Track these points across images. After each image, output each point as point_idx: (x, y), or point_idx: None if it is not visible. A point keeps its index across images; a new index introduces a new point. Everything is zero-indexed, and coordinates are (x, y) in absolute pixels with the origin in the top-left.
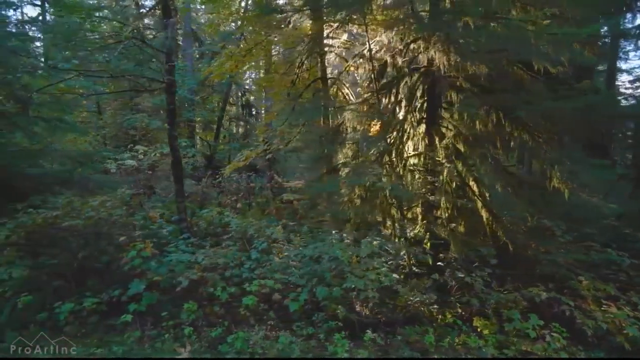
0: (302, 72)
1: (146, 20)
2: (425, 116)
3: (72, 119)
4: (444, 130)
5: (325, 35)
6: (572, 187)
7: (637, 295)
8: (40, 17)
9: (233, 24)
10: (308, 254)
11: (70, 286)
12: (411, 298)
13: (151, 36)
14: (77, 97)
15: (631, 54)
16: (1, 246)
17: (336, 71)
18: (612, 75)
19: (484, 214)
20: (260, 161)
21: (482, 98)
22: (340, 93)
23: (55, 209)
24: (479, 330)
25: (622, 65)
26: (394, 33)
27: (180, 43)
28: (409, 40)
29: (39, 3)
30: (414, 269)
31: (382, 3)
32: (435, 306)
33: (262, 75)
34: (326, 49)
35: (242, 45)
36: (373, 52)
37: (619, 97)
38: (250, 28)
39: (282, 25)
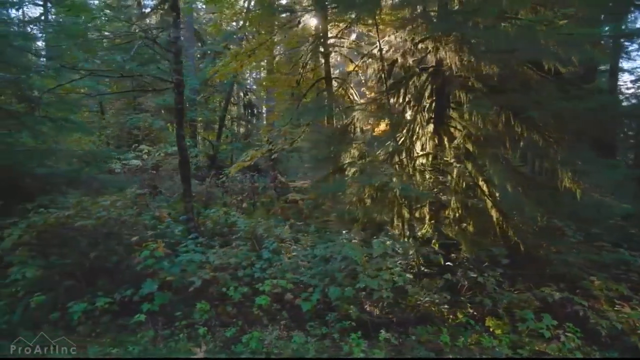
0: (306, 72)
1: (148, 20)
2: (433, 116)
3: (78, 119)
4: (452, 130)
5: (333, 35)
6: (583, 187)
7: None
8: (43, 17)
9: (234, 24)
10: (319, 254)
11: (81, 286)
12: (421, 298)
13: (154, 36)
14: (82, 97)
15: (632, 54)
16: (13, 246)
17: (337, 71)
18: (614, 75)
19: (494, 213)
20: (262, 161)
21: (492, 98)
22: (345, 93)
23: (66, 208)
24: (491, 330)
25: (624, 64)
26: (406, 33)
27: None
28: (417, 40)
29: (40, 3)
30: (423, 269)
31: (391, 3)
32: (446, 306)
33: (264, 75)
34: (330, 48)
35: (245, 45)
36: (382, 51)
37: (621, 97)
38: (254, 29)
39: (287, 25)
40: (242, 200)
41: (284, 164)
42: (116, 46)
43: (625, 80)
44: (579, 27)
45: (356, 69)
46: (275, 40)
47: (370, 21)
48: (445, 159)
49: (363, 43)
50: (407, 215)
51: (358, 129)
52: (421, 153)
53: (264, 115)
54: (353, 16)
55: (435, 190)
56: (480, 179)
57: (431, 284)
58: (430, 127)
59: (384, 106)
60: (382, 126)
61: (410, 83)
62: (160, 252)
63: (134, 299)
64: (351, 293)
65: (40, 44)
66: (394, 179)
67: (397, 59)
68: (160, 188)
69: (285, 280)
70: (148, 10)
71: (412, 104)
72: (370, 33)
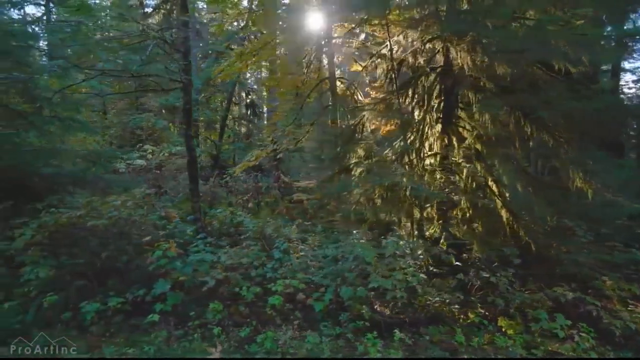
0: (310, 72)
1: (150, 20)
2: (441, 116)
3: (83, 119)
4: (460, 130)
5: (338, 35)
6: (595, 187)
7: None
8: (45, 17)
9: (235, 24)
10: (330, 254)
11: (93, 286)
12: (430, 298)
13: (165, 36)
14: (88, 97)
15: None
16: (26, 246)
17: (339, 71)
18: (616, 75)
19: (503, 214)
20: (265, 161)
21: (503, 98)
22: (350, 93)
23: (77, 208)
24: (503, 330)
25: (626, 64)
26: (418, 33)
27: None
28: (426, 40)
29: (42, 2)
30: (432, 268)
31: (403, 2)
32: (457, 306)
33: (265, 75)
34: (335, 49)
35: (249, 45)
36: (392, 51)
37: (623, 97)
38: (255, 28)
39: (290, 25)
40: (247, 200)
41: (286, 164)
42: (126, 46)
43: (627, 80)
44: (591, 27)
45: (365, 69)
46: (280, 40)
47: (375, 22)
48: (453, 158)
49: (369, 43)
50: (417, 215)
51: (368, 128)
52: (430, 153)
53: (265, 115)
54: (363, 16)
55: (446, 190)
56: (489, 179)
57: (443, 284)
58: (439, 127)
59: (394, 106)
60: (389, 126)
61: (419, 83)
62: (172, 252)
63: (146, 299)
64: (363, 293)
65: (41, 43)
66: (405, 179)
67: (404, 58)
68: (165, 188)
69: (297, 280)
70: (150, 10)
71: (420, 104)
72: (375, 33)
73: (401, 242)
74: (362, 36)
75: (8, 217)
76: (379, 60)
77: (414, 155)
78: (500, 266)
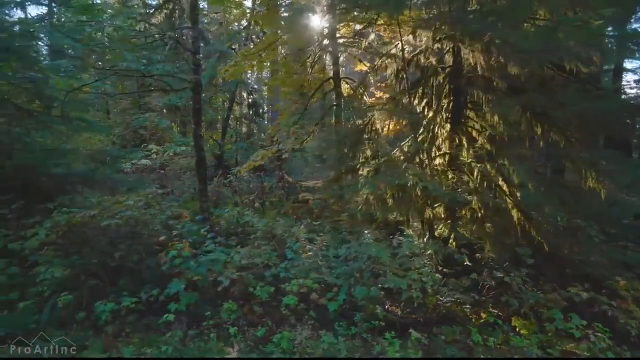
0: (314, 72)
1: (153, 20)
2: (450, 116)
3: (92, 119)
4: (470, 130)
5: (345, 35)
6: (608, 187)
7: None
8: (47, 17)
9: (236, 24)
10: (342, 254)
11: (105, 286)
12: (441, 298)
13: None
14: (95, 97)
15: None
16: (40, 246)
17: (342, 70)
18: (618, 75)
19: (515, 214)
20: (269, 161)
21: (514, 98)
22: (355, 93)
23: (89, 208)
24: (517, 330)
25: (627, 64)
26: (432, 32)
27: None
28: (436, 40)
29: (45, 2)
30: (442, 268)
31: (417, 2)
32: (469, 306)
33: (267, 75)
34: (340, 49)
35: (254, 46)
36: (400, 51)
37: (624, 97)
38: (258, 28)
39: (294, 25)
40: (254, 200)
41: (289, 164)
42: (137, 47)
43: (629, 80)
44: (605, 27)
45: (374, 69)
46: (285, 40)
47: (381, 22)
48: (462, 158)
49: (375, 43)
50: (429, 215)
51: (379, 128)
52: (440, 153)
53: (268, 115)
54: (374, 16)
55: (459, 190)
56: (500, 179)
57: (457, 284)
58: (448, 127)
59: (404, 106)
60: (398, 126)
61: (429, 83)
62: (187, 252)
63: (160, 299)
64: (377, 293)
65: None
66: (417, 179)
67: (414, 58)
68: (171, 188)
69: (311, 280)
70: (151, 11)
71: (431, 103)
72: (381, 33)
73: (415, 242)
74: (372, 37)
75: (20, 217)
76: (389, 60)
77: (424, 155)
78: (513, 266)
